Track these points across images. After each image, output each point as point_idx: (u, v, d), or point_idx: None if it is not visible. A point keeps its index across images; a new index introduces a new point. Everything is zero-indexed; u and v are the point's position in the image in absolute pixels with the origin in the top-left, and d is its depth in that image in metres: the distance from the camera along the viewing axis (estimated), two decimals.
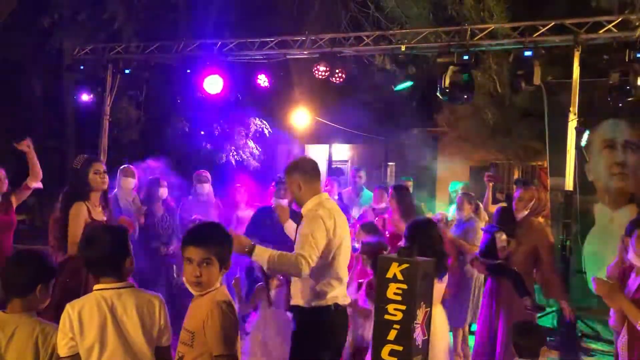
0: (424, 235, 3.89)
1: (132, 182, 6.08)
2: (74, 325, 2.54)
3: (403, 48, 7.04)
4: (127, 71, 8.43)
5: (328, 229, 3.48)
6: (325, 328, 3.56)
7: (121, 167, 6.14)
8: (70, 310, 2.57)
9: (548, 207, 5.08)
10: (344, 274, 3.70)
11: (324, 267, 3.53)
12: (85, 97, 8.48)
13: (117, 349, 2.58)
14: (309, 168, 3.67)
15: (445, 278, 3.99)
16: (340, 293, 3.61)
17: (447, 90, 6.80)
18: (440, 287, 3.93)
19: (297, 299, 3.61)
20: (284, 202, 5.75)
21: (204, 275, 2.48)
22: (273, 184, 6.16)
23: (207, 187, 6.59)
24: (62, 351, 2.55)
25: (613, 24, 6.20)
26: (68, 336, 2.54)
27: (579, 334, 6.68)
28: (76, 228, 4.09)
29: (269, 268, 3.43)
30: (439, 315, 3.97)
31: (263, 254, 3.36)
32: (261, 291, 4.61)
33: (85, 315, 2.56)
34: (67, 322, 2.55)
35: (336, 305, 3.58)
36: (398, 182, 7.59)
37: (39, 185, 5.23)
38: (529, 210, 4.85)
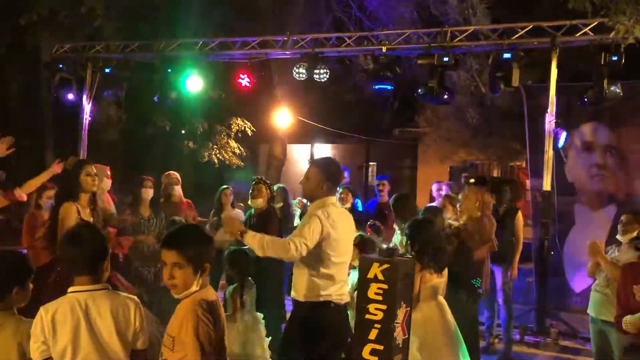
0: (425, 234, 4.08)
1: (107, 184, 6.00)
2: (46, 329, 2.50)
3: (384, 49, 7.08)
4: (107, 70, 8.35)
5: (324, 227, 3.62)
6: (315, 324, 3.65)
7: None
8: (44, 313, 2.53)
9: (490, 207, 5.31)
10: (341, 274, 3.79)
11: (318, 265, 3.66)
12: (64, 96, 8.38)
13: (91, 352, 2.54)
14: (337, 176, 3.95)
15: (445, 272, 4.14)
16: (334, 292, 3.69)
17: (428, 91, 6.88)
18: (440, 281, 4.10)
19: (296, 293, 3.76)
20: (259, 201, 5.78)
21: (177, 278, 2.44)
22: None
23: (178, 189, 6.57)
24: (34, 355, 2.51)
25: (589, 27, 6.31)
26: (40, 340, 2.50)
27: (556, 332, 6.78)
28: (67, 227, 4.06)
29: (261, 251, 3.57)
30: (443, 307, 4.12)
31: (254, 238, 3.57)
32: (235, 293, 4.64)
33: (59, 318, 2.52)
34: (39, 325, 2.51)
35: (329, 302, 3.66)
36: (377, 183, 7.63)
37: (24, 198, 5.21)
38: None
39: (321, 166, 3.88)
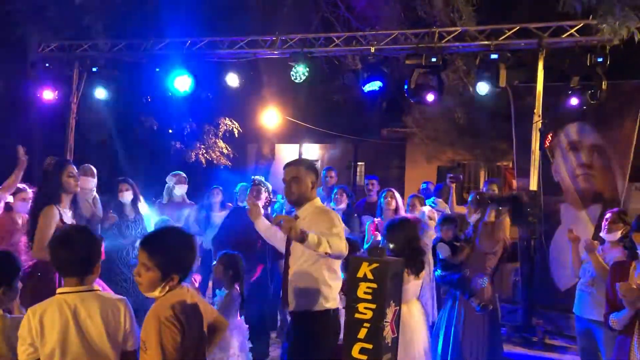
0: (400, 234, 4.06)
1: (92, 182, 5.98)
2: (33, 331, 2.49)
3: (372, 49, 7.11)
4: (94, 69, 8.29)
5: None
6: (325, 332, 3.58)
7: (81, 166, 6.00)
8: (31, 315, 2.52)
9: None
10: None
11: (335, 268, 3.62)
12: (50, 96, 8.31)
13: (80, 354, 2.53)
14: (318, 174, 3.87)
15: (422, 274, 4.13)
16: (337, 296, 3.68)
17: (415, 92, 6.92)
18: (417, 284, 4.10)
19: (298, 304, 3.62)
20: (259, 203, 5.73)
21: (142, 277, 2.44)
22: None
23: (181, 189, 6.61)
24: (22, 357, 2.49)
25: (575, 28, 6.39)
26: (27, 342, 2.49)
27: (542, 331, 6.85)
28: (46, 231, 3.96)
29: (328, 248, 3.39)
30: (417, 311, 4.11)
31: (315, 237, 3.35)
32: (229, 300, 4.61)
33: (47, 319, 2.51)
34: (27, 327, 2.50)
35: (334, 310, 3.63)
36: (367, 182, 7.66)
37: (6, 198, 5.19)
38: (479, 214, 4.96)
39: (308, 166, 3.79)
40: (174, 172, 6.73)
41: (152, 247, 2.46)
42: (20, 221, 5.65)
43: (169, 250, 2.46)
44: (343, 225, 3.69)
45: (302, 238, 3.31)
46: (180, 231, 2.64)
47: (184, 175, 6.71)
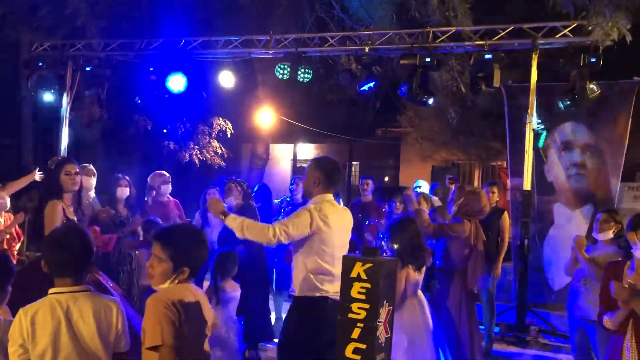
0: (402, 232, 4.22)
1: (91, 181, 5.95)
2: (24, 331, 2.46)
3: (367, 49, 7.12)
4: (88, 68, 8.26)
5: (313, 220, 3.68)
6: (311, 319, 3.71)
7: (80, 166, 5.99)
8: (23, 315, 2.49)
9: (484, 209, 5.11)
10: (338, 270, 3.78)
11: (313, 260, 3.73)
12: (44, 95, 8.28)
13: (72, 354, 2.51)
14: (333, 174, 3.93)
15: (424, 269, 4.29)
16: (331, 288, 3.71)
17: (409, 92, 6.93)
18: (419, 278, 4.23)
19: (293, 288, 3.88)
20: (230, 199, 5.82)
21: (155, 269, 2.52)
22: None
23: (166, 188, 6.57)
24: (12, 358, 2.47)
25: (569, 29, 6.42)
26: (17, 343, 2.46)
27: (536, 330, 6.88)
28: (53, 226, 4.03)
29: (240, 233, 3.68)
30: (420, 303, 4.23)
31: (235, 220, 3.71)
32: (210, 291, 4.64)
33: (39, 320, 2.49)
34: (17, 327, 2.48)
35: (326, 298, 3.71)
36: (362, 182, 7.66)
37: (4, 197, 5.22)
38: (457, 209, 5.03)
39: (316, 163, 3.95)
40: (157, 172, 6.68)
41: (166, 239, 2.55)
42: (2, 220, 5.64)
43: (182, 242, 2.56)
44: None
45: (222, 218, 3.73)
46: (192, 227, 2.79)
47: (167, 174, 6.69)
